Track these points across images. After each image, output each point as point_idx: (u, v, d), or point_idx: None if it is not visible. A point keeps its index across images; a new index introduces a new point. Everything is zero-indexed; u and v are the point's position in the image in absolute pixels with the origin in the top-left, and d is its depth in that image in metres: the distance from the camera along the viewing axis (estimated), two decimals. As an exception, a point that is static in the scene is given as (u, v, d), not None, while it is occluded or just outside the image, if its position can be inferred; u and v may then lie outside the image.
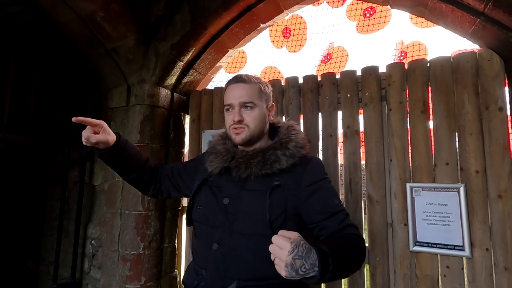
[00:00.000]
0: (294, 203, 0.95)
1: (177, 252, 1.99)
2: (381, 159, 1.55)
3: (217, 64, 2.10)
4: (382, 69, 1.62)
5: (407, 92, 1.54)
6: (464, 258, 1.36)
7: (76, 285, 1.92)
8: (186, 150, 2.13)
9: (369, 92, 1.61)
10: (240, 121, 1.00)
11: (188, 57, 1.89)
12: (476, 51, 1.45)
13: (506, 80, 1.38)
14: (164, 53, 1.82)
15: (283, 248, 0.68)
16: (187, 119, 2.11)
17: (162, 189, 1.25)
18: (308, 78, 1.77)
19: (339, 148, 1.68)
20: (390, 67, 1.59)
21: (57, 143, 1.99)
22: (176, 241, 1.98)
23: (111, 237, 1.85)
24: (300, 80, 1.79)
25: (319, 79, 1.75)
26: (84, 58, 1.92)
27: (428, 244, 1.40)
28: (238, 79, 1.04)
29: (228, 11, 1.74)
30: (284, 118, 1.81)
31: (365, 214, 1.58)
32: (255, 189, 0.97)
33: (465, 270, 1.35)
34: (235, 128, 1.01)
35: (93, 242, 1.95)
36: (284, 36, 2.88)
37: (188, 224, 1.11)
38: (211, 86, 2.24)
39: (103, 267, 1.87)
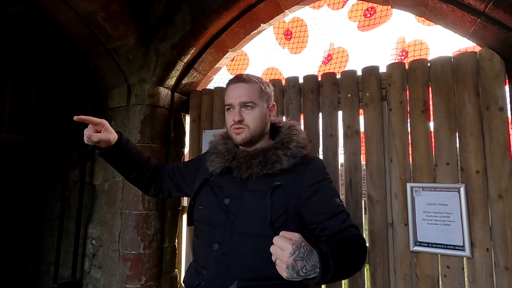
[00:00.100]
0: (295, 203, 0.95)
1: (177, 252, 1.99)
2: (381, 159, 1.55)
3: (217, 65, 2.10)
4: (383, 69, 1.62)
5: (408, 92, 1.54)
6: (464, 258, 1.36)
7: (76, 285, 1.92)
8: (186, 150, 2.13)
9: (370, 92, 1.61)
10: (240, 121, 0.99)
11: (188, 57, 1.89)
12: (476, 51, 1.45)
13: (507, 80, 1.38)
14: (165, 53, 1.82)
15: (284, 250, 0.68)
16: (188, 119, 2.12)
17: (163, 189, 1.25)
18: (309, 78, 1.77)
19: (339, 148, 1.68)
20: (391, 67, 1.59)
21: (58, 143, 1.99)
22: (176, 240, 1.98)
23: (111, 236, 1.85)
24: (301, 80, 1.79)
25: (319, 79, 1.75)
26: (85, 58, 1.93)
27: (429, 244, 1.40)
28: (238, 79, 1.04)
29: (228, 11, 1.74)
30: (284, 118, 1.81)
31: (365, 214, 1.58)
32: (256, 189, 0.97)
33: (465, 270, 1.36)
34: (236, 128, 1.01)
35: (93, 241, 1.96)
36: (286, 38, 2.91)
37: (189, 224, 1.10)
38: (211, 86, 2.24)
39: (104, 266, 1.87)
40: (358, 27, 2.59)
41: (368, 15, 2.53)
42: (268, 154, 0.98)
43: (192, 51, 1.87)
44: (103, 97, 2.03)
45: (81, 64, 2.00)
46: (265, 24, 1.94)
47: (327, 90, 1.70)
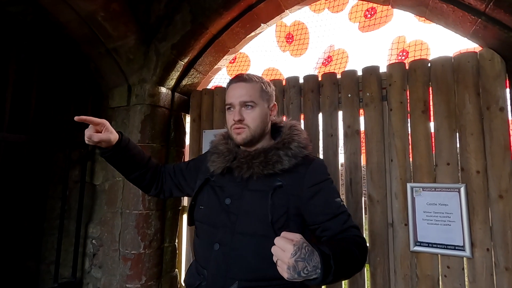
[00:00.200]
0: (297, 203, 0.95)
1: (177, 251, 1.99)
2: (381, 159, 1.55)
3: (217, 65, 2.10)
4: (383, 69, 1.62)
5: (408, 92, 1.54)
6: (464, 258, 1.36)
7: (76, 285, 1.92)
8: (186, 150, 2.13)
9: (370, 92, 1.61)
10: (240, 121, 0.99)
11: (188, 57, 1.89)
12: (477, 51, 1.45)
13: (507, 80, 1.38)
14: (165, 53, 1.82)
15: (286, 250, 0.68)
16: (188, 118, 2.11)
17: (164, 188, 1.25)
18: (309, 78, 1.77)
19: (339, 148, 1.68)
20: (391, 67, 1.59)
21: (58, 143, 1.99)
22: (176, 240, 1.98)
23: (111, 236, 1.85)
24: (301, 80, 1.79)
25: (320, 79, 1.75)
26: (85, 57, 1.92)
27: (429, 244, 1.40)
28: (239, 78, 1.03)
29: (229, 11, 1.74)
30: (285, 118, 1.81)
31: (365, 214, 1.58)
32: (257, 189, 0.96)
33: (465, 270, 1.36)
34: (236, 128, 1.00)
35: (93, 241, 1.96)
36: (287, 42, 2.93)
37: (189, 223, 1.10)
38: (211, 86, 2.24)
39: (104, 266, 1.87)
40: (359, 28, 2.59)
41: (369, 15, 2.52)
42: (269, 154, 0.97)
43: (193, 51, 1.87)
44: (104, 97, 2.03)
45: (82, 64, 2.00)
46: (265, 24, 1.94)
47: (328, 90, 1.70)
